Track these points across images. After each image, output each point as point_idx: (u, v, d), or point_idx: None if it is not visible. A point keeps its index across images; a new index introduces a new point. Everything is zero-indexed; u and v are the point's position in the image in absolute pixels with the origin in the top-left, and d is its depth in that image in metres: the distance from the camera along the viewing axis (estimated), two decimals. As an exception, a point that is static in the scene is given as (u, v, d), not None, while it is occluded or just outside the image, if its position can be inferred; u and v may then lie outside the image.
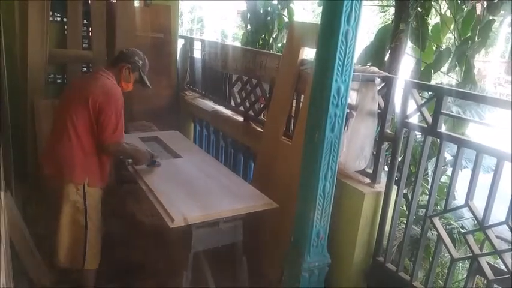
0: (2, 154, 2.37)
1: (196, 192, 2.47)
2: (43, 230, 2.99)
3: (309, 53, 3.02)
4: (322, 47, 1.96)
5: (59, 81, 4.25)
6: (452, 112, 2.67)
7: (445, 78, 3.48)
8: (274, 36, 5.28)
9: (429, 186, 2.35)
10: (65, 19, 4.11)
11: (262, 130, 3.35)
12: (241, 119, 3.84)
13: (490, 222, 1.96)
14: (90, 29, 4.22)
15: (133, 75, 2.58)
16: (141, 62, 2.59)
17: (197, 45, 4.84)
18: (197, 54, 4.82)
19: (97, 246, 2.53)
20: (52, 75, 4.19)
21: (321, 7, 2.07)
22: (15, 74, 3.74)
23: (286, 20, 5.20)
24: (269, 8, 5.21)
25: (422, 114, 2.27)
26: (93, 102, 2.33)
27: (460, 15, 3.25)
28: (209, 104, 4.42)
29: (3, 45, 3.00)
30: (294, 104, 3.07)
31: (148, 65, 2.67)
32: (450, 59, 3.15)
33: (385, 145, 2.50)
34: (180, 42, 5.06)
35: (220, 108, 4.23)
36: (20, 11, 3.77)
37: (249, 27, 5.41)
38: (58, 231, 2.44)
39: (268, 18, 5.20)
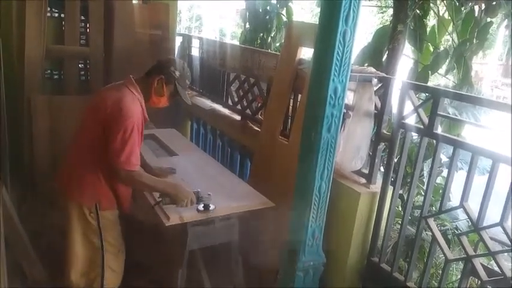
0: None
1: (192, 190, 2.45)
2: (38, 227, 2.98)
3: (306, 53, 3.02)
4: (320, 46, 1.97)
5: (55, 77, 4.23)
6: (449, 114, 2.69)
7: (442, 79, 3.50)
8: (272, 35, 5.29)
9: (424, 187, 2.36)
10: (62, 15, 4.08)
11: (259, 129, 3.36)
12: (238, 117, 3.83)
13: (485, 224, 1.97)
14: (88, 25, 4.21)
15: (167, 88, 2.21)
16: (177, 73, 2.21)
17: (195, 43, 4.83)
18: (195, 52, 4.81)
19: (118, 268, 2.34)
20: (49, 71, 4.17)
21: (320, 7, 2.07)
22: (12, 70, 3.73)
23: (285, 19, 5.20)
24: (268, 7, 5.22)
25: (418, 115, 2.27)
26: (104, 117, 2.05)
27: (458, 17, 3.26)
28: (206, 102, 4.41)
29: (0, 40, 2.99)
30: (291, 103, 3.07)
31: (189, 76, 2.33)
32: (448, 60, 3.17)
33: (382, 146, 2.51)
34: (178, 40, 5.05)
35: (218, 107, 4.23)
36: (17, 6, 3.75)
37: (247, 25, 5.41)
38: (69, 252, 2.25)
39: (267, 17, 5.21)
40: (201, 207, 2.23)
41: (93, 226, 2.21)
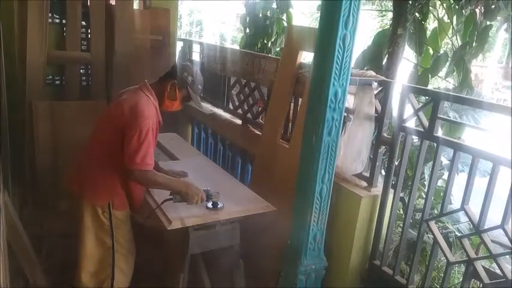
0: (0, 155, 2.38)
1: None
2: (38, 231, 2.98)
3: (307, 57, 3.03)
4: (320, 50, 1.98)
5: (57, 82, 4.24)
6: (449, 117, 2.69)
7: (442, 83, 3.51)
8: (272, 40, 5.30)
9: (425, 190, 2.36)
10: (64, 21, 4.11)
11: (260, 133, 3.36)
12: (239, 121, 3.84)
13: (486, 227, 1.97)
14: (89, 31, 4.23)
15: (180, 92, 2.30)
16: (190, 78, 2.30)
17: (196, 48, 4.84)
18: (196, 57, 4.82)
19: (127, 269, 2.39)
20: (50, 77, 4.18)
21: (319, 11, 2.09)
22: (14, 75, 3.74)
23: (285, 24, 5.22)
24: (268, 12, 5.23)
25: (419, 118, 2.28)
26: (120, 119, 2.13)
27: (459, 21, 3.27)
28: (207, 107, 4.42)
29: (2, 46, 3.01)
30: (292, 107, 3.08)
31: (202, 81, 2.41)
32: (448, 64, 3.17)
33: (382, 149, 2.51)
34: (179, 45, 5.07)
35: (219, 111, 4.24)
36: (19, 12, 3.77)
37: (247, 30, 5.43)
38: (81, 252, 2.29)
39: (267, 22, 5.22)
40: (209, 204, 2.28)
41: (105, 225, 2.25)
